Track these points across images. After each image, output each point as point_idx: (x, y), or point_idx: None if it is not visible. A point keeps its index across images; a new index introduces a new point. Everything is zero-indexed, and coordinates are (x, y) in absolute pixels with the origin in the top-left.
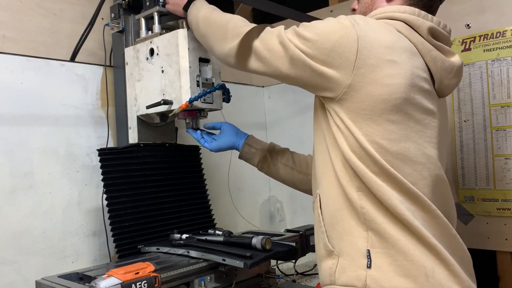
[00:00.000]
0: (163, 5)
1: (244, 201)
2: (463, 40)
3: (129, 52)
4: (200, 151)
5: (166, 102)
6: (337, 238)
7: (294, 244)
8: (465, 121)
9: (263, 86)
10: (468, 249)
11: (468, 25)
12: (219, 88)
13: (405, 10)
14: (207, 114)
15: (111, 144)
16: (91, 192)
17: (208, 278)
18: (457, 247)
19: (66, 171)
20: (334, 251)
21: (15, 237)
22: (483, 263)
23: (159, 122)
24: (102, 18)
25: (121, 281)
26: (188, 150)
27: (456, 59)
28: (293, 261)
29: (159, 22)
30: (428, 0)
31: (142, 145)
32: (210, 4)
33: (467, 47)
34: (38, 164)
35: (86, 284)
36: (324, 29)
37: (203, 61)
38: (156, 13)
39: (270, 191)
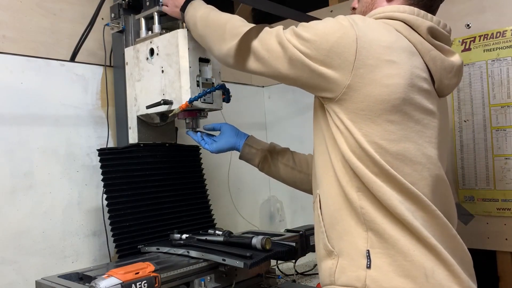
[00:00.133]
0: (163, 5)
1: (244, 201)
2: (463, 40)
3: (129, 52)
4: (200, 151)
5: (166, 102)
6: (337, 238)
7: (294, 244)
8: (465, 121)
9: (263, 86)
10: (468, 249)
11: (468, 25)
12: (219, 88)
13: (404, 10)
14: (207, 114)
15: (111, 144)
16: (91, 192)
17: (208, 278)
18: (458, 247)
19: (66, 171)
20: (334, 251)
21: (15, 237)
22: (483, 263)
23: (159, 122)
24: (102, 18)
25: (121, 281)
26: (188, 150)
27: (456, 58)
28: (293, 261)
29: (159, 22)
30: None
31: (142, 145)
32: (211, 4)
33: (467, 47)
34: (38, 164)
35: (86, 284)
36: (323, 29)
37: (203, 61)
38: (156, 13)
39: (270, 191)
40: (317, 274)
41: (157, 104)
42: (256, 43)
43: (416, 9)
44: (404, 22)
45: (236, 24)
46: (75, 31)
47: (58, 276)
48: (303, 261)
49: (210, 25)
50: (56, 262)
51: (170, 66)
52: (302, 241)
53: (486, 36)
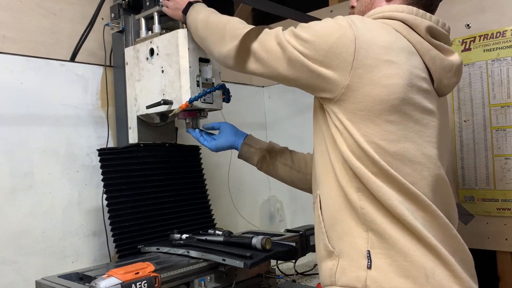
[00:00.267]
0: (162, 7)
1: (244, 201)
2: (463, 40)
3: (129, 52)
4: (200, 151)
5: (166, 102)
6: (337, 239)
7: (294, 244)
8: (465, 121)
9: (263, 86)
10: (468, 249)
11: (468, 25)
12: (219, 88)
13: (403, 9)
14: (207, 114)
15: (111, 144)
16: (91, 192)
17: (208, 278)
18: (458, 247)
19: (66, 171)
20: (335, 252)
21: (15, 237)
22: (483, 263)
23: (159, 122)
24: (102, 18)
25: (121, 281)
26: (188, 150)
27: (455, 57)
28: (293, 261)
29: (159, 22)
30: None
31: (142, 145)
32: (211, 4)
33: (467, 47)
34: (38, 164)
35: (86, 284)
36: (322, 30)
37: (203, 61)
38: (156, 13)
39: (270, 191)
40: (317, 274)
41: (157, 104)
42: (255, 45)
43: (415, 9)
44: (403, 22)
45: (235, 26)
46: (75, 31)
47: (58, 276)
48: (303, 261)
49: (210, 28)
50: (56, 262)
51: (170, 66)
52: (302, 241)
53: (486, 36)
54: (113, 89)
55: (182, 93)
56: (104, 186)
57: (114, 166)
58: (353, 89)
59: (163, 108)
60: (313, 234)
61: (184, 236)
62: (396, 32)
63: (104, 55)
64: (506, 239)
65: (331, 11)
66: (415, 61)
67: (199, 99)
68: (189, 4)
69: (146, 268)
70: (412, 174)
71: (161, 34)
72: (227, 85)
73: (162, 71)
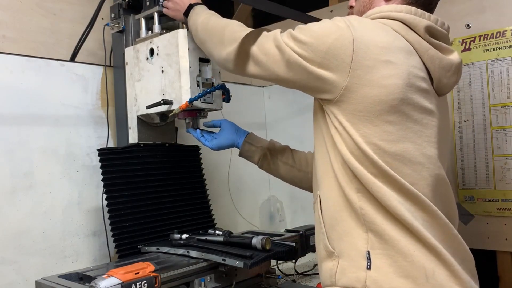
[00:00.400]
0: (163, 6)
1: (244, 201)
2: (463, 40)
3: (129, 52)
4: (200, 151)
5: (166, 102)
6: (337, 239)
7: (294, 244)
8: (465, 121)
9: (263, 86)
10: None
11: (468, 25)
12: (219, 88)
13: (401, 9)
14: (207, 114)
15: (111, 144)
16: (91, 192)
17: (208, 278)
18: (459, 247)
19: (66, 171)
20: (335, 252)
21: (15, 237)
22: (483, 263)
23: (159, 122)
24: (102, 18)
25: (121, 281)
26: (188, 150)
27: (454, 56)
28: (293, 261)
29: (159, 22)
30: None
31: (142, 145)
32: (211, 4)
33: (467, 47)
34: (38, 164)
35: (86, 284)
36: (319, 31)
37: (203, 61)
38: (156, 13)
39: (270, 191)
40: (317, 274)
41: (157, 104)
42: (254, 48)
43: (413, 8)
44: (402, 22)
45: (234, 29)
46: (75, 31)
47: (58, 276)
48: (303, 261)
49: (210, 31)
50: (56, 262)
51: (170, 66)
52: (302, 241)
53: (486, 36)
54: (113, 89)
55: (182, 93)
56: (104, 186)
57: (114, 166)
58: (352, 90)
59: (163, 108)
60: (313, 234)
61: (184, 236)
62: (394, 32)
63: (104, 55)
64: (506, 239)
65: (331, 11)
66: (413, 61)
67: (199, 99)
68: (190, 6)
69: (146, 268)
70: (411, 174)
71: (161, 34)
72: (227, 85)
73: (162, 71)
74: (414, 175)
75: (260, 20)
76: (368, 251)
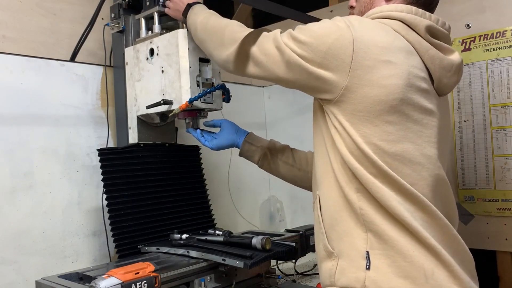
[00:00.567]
0: (163, 6)
1: (244, 201)
2: (463, 40)
3: (129, 52)
4: (200, 151)
5: (166, 102)
6: (336, 239)
7: (294, 244)
8: (465, 121)
9: (263, 86)
10: (468, 249)
11: (468, 25)
12: (219, 88)
13: (402, 9)
14: (207, 114)
15: (111, 144)
16: (91, 192)
17: (208, 278)
18: (458, 248)
19: (66, 171)
20: (334, 253)
21: (15, 237)
22: (483, 263)
23: (159, 122)
24: (102, 18)
25: (121, 281)
26: (188, 150)
27: (455, 56)
28: (293, 261)
29: (159, 22)
30: None
31: (142, 145)
32: (211, 4)
33: (467, 47)
34: (38, 164)
35: (86, 284)
36: (319, 31)
37: (203, 61)
38: (156, 13)
39: (270, 191)
40: (317, 274)
41: (157, 104)
42: (254, 48)
43: (414, 8)
44: (402, 21)
45: (234, 29)
46: (75, 31)
47: (58, 276)
48: (303, 261)
49: (210, 31)
50: (56, 262)
51: (170, 66)
52: (302, 241)
53: (486, 36)
54: (113, 89)
55: (182, 93)
56: (104, 186)
57: (114, 166)
58: (352, 90)
59: (163, 108)
60: (313, 234)
61: (184, 236)
62: (394, 32)
63: (104, 55)
64: (506, 239)
65: (331, 11)
66: (414, 61)
67: (199, 99)
68: (189, 6)
69: (146, 268)
70: (411, 174)
71: (161, 34)
72: (227, 85)
73: (162, 71)
74: (413, 175)
75: (260, 20)
76: (368, 251)
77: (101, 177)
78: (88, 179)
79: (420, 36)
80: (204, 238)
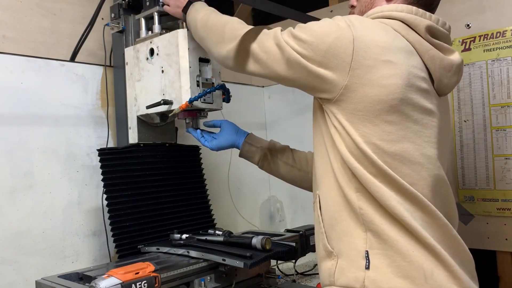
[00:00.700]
0: (163, 6)
1: (244, 201)
2: (463, 40)
3: (129, 52)
4: (200, 151)
5: (166, 102)
6: (336, 239)
7: (294, 244)
8: (465, 121)
9: (263, 86)
10: (468, 249)
11: (468, 25)
12: (219, 88)
13: (402, 9)
14: (207, 114)
15: (111, 144)
16: (91, 192)
17: (208, 278)
18: (458, 248)
19: (66, 171)
20: (334, 252)
21: (15, 237)
22: (483, 263)
23: (159, 122)
24: (102, 18)
25: (121, 281)
26: (188, 150)
27: (455, 57)
28: (293, 261)
29: (159, 22)
30: None
31: (142, 145)
32: (211, 4)
33: (467, 47)
34: (38, 164)
35: (86, 284)
36: (320, 30)
37: (203, 61)
38: (156, 13)
39: (270, 191)
40: (317, 274)
41: (157, 104)
42: (254, 45)
43: (414, 8)
44: (402, 21)
45: (235, 27)
46: (75, 31)
47: (58, 276)
48: (303, 261)
49: (210, 28)
50: (56, 262)
51: (170, 66)
52: (302, 241)
53: (486, 36)
54: (113, 89)
55: (182, 93)
56: (104, 186)
57: (114, 166)
58: (352, 90)
59: (163, 108)
60: (313, 234)
61: (184, 236)
62: (395, 31)
63: (104, 55)
64: (506, 239)
65: (331, 11)
66: (414, 61)
67: (199, 99)
68: (189, 3)
69: (146, 268)
70: (411, 174)
71: (161, 34)
72: (227, 85)
73: (162, 71)
74: (413, 175)
75: (260, 20)
76: (367, 251)
77: (101, 177)
78: (88, 179)
79: (421, 36)
80: (204, 238)
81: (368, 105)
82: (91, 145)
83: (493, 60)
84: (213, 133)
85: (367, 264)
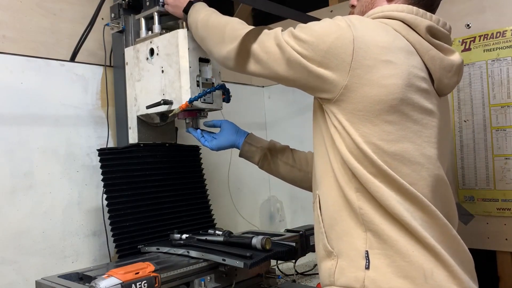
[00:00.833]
0: (163, 5)
1: (244, 201)
2: (463, 40)
3: (129, 52)
4: (200, 151)
5: (166, 102)
6: (336, 239)
7: (294, 244)
8: (465, 121)
9: (263, 86)
10: (468, 249)
11: (468, 25)
12: (219, 88)
13: (402, 9)
14: (207, 114)
15: (111, 144)
16: (91, 192)
17: (208, 278)
18: (458, 248)
19: (66, 171)
20: (333, 252)
21: (15, 237)
22: (483, 263)
23: (159, 122)
24: (102, 18)
25: (121, 281)
26: (188, 150)
27: (456, 57)
28: (293, 261)
29: (159, 22)
30: None
31: (142, 145)
32: (211, 4)
33: (467, 47)
34: (38, 164)
35: (86, 284)
36: (320, 30)
37: (203, 61)
38: (156, 13)
39: (270, 191)
40: (317, 274)
41: (157, 104)
42: (255, 46)
43: (415, 8)
44: (403, 22)
45: (235, 27)
46: (75, 31)
47: (58, 276)
48: (303, 261)
49: (210, 28)
50: (56, 262)
51: (170, 66)
52: (302, 241)
53: (486, 36)
54: (113, 89)
55: (182, 93)
56: (104, 186)
57: (114, 166)
58: (352, 90)
59: (163, 108)
60: (313, 234)
61: (184, 236)
62: (395, 32)
63: (104, 55)
64: (506, 239)
65: (331, 11)
66: (414, 61)
67: (199, 99)
68: (190, 3)
69: (146, 268)
70: (411, 174)
71: (161, 34)
72: (227, 85)
73: (162, 71)
74: (413, 175)
75: (260, 20)
76: (367, 251)
77: (101, 177)
78: (88, 179)
79: (421, 36)
80: (204, 238)
81: (368, 105)
82: (91, 145)
83: (493, 60)
84: (213, 133)
85: (367, 264)
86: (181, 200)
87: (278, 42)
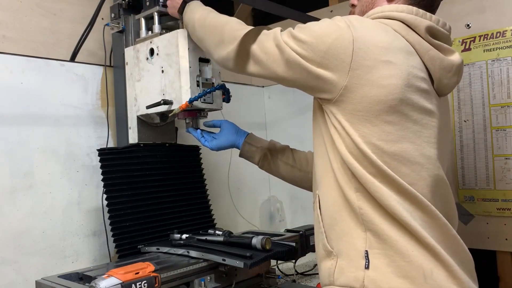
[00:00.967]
0: (163, 6)
1: (244, 201)
2: (463, 40)
3: (129, 52)
4: (200, 151)
5: (166, 102)
6: (336, 238)
7: (294, 244)
8: (465, 121)
9: (263, 86)
10: (468, 249)
11: (468, 25)
12: (219, 88)
13: (402, 9)
14: (207, 114)
15: (111, 144)
16: (91, 192)
17: (208, 278)
18: (458, 248)
19: (66, 171)
20: (333, 252)
21: (15, 237)
22: (483, 263)
23: (159, 122)
24: (102, 18)
25: (121, 281)
26: (188, 150)
27: (455, 57)
28: (293, 261)
29: (159, 22)
30: None
31: (142, 145)
32: (212, 4)
33: (467, 47)
34: (38, 164)
35: (86, 284)
36: (319, 31)
37: (203, 61)
38: (156, 13)
39: (270, 191)
40: (317, 274)
41: (157, 104)
42: (254, 46)
43: (414, 9)
44: (402, 22)
45: (234, 27)
46: (75, 31)
47: (58, 276)
48: (303, 261)
49: (208, 28)
50: (56, 262)
51: (170, 66)
52: (302, 241)
53: (486, 36)
54: (113, 89)
55: (182, 93)
56: (104, 186)
57: (114, 166)
58: (351, 90)
59: (163, 108)
60: (313, 234)
61: (184, 236)
62: (394, 32)
63: (104, 55)
64: (506, 239)
65: (331, 11)
66: (413, 61)
67: (199, 99)
68: (184, 3)
69: (146, 268)
70: (410, 174)
71: (161, 34)
72: (227, 85)
73: (162, 71)
74: (413, 175)
75: (260, 20)
76: (367, 251)
77: (101, 177)
78: (88, 179)
79: (421, 36)
80: (204, 238)
81: (368, 105)
82: (91, 145)
83: (493, 60)
84: (213, 133)
85: (367, 263)
86: (181, 200)
87: (277, 42)
